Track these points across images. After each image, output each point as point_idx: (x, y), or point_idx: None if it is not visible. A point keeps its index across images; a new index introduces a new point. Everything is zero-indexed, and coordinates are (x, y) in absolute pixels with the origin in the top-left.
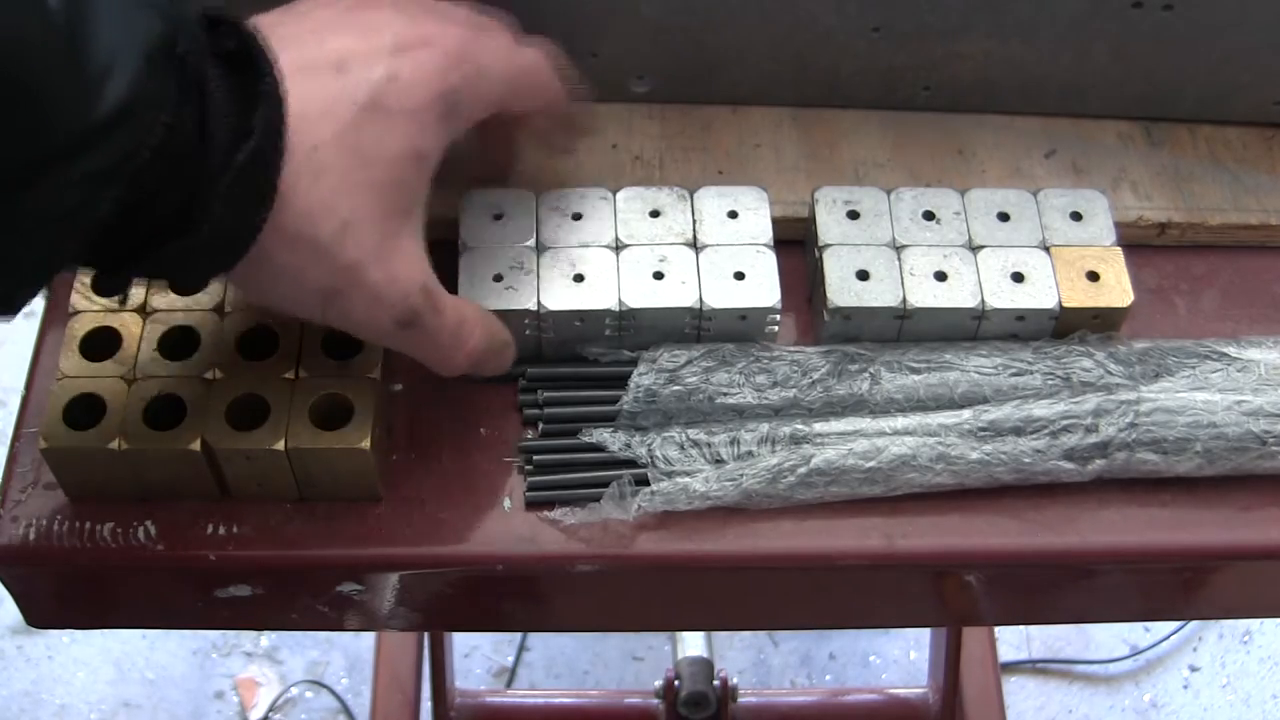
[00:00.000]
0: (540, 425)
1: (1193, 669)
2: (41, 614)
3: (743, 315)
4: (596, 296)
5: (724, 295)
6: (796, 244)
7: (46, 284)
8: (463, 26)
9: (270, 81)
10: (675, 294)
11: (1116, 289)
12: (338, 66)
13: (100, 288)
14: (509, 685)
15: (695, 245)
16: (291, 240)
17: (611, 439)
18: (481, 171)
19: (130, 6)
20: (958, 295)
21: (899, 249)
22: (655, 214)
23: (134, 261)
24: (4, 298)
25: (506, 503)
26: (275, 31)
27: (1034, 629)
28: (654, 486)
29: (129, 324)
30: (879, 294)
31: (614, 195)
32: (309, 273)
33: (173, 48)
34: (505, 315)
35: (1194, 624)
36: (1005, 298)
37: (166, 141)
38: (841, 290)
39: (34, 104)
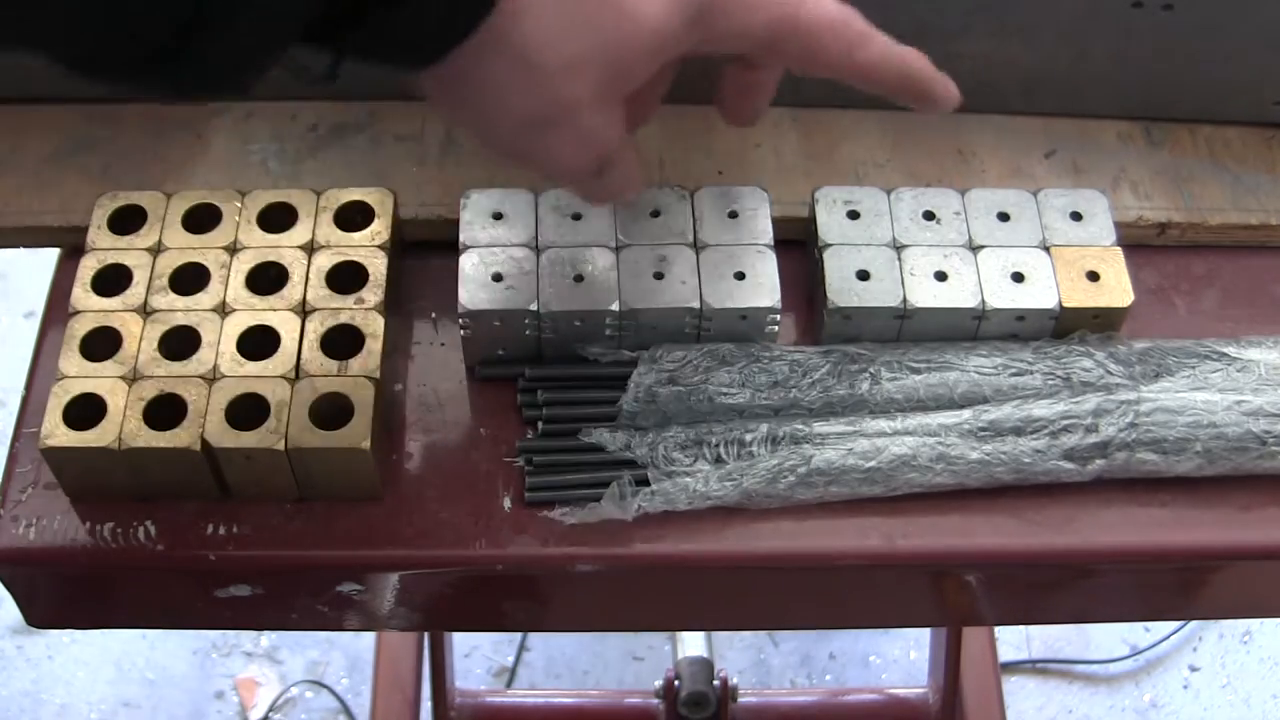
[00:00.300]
0: (540, 425)
1: (1193, 669)
2: (41, 614)
3: (743, 315)
4: (596, 296)
5: (724, 295)
6: (796, 244)
7: (278, 57)
8: None
9: None
10: (675, 294)
11: (1116, 289)
12: None
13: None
14: (509, 685)
15: (695, 245)
16: (515, 57)
17: (611, 439)
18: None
19: None
20: (958, 295)
21: (899, 249)
22: (656, 214)
23: (348, 35)
24: (239, 70)
25: (506, 503)
26: None
27: (1034, 629)
28: (654, 486)
29: (129, 324)
30: (879, 294)
31: None
32: (520, 97)
33: None
34: (505, 315)
35: (1194, 624)
36: (1005, 298)
37: None
38: (841, 290)
39: None
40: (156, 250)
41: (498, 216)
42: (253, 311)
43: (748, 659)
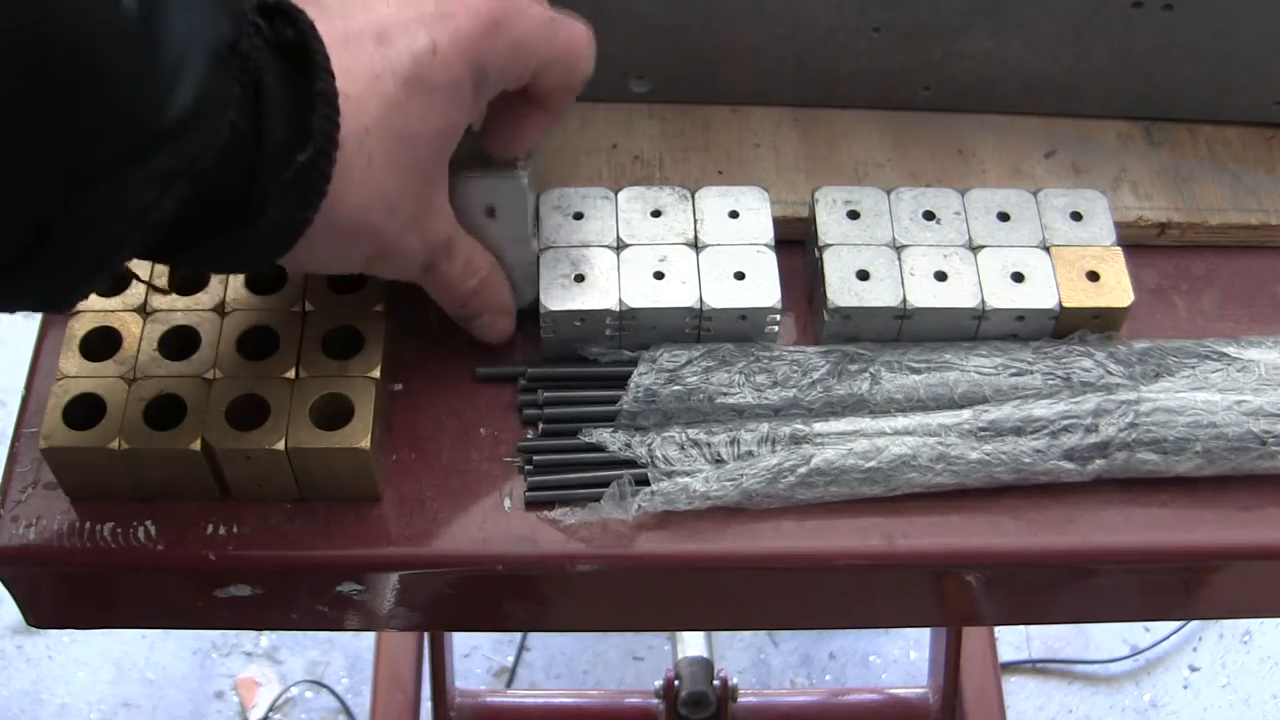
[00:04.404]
0: (540, 425)
1: (1193, 669)
2: (42, 614)
3: (743, 315)
4: (597, 296)
5: (724, 295)
6: (796, 244)
7: (105, 280)
8: None
9: (326, 80)
10: (675, 294)
11: (1116, 289)
12: (379, 37)
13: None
14: (509, 685)
15: (696, 245)
16: (345, 227)
17: (611, 439)
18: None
19: (198, 4)
20: (958, 295)
21: (899, 249)
22: (656, 214)
23: (183, 252)
24: (62, 294)
25: (506, 503)
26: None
27: (1034, 629)
28: (654, 486)
29: (129, 324)
30: (879, 294)
31: (615, 195)
32: (357, 247)
33: (236, 45)
34: None
35: (1194, 624)
36: (1005, 298)
37: (230, 141)
38: (841, 290)
39: (108, 105)
40: None
41: None
42: (253, 311)
43: (748, 659)
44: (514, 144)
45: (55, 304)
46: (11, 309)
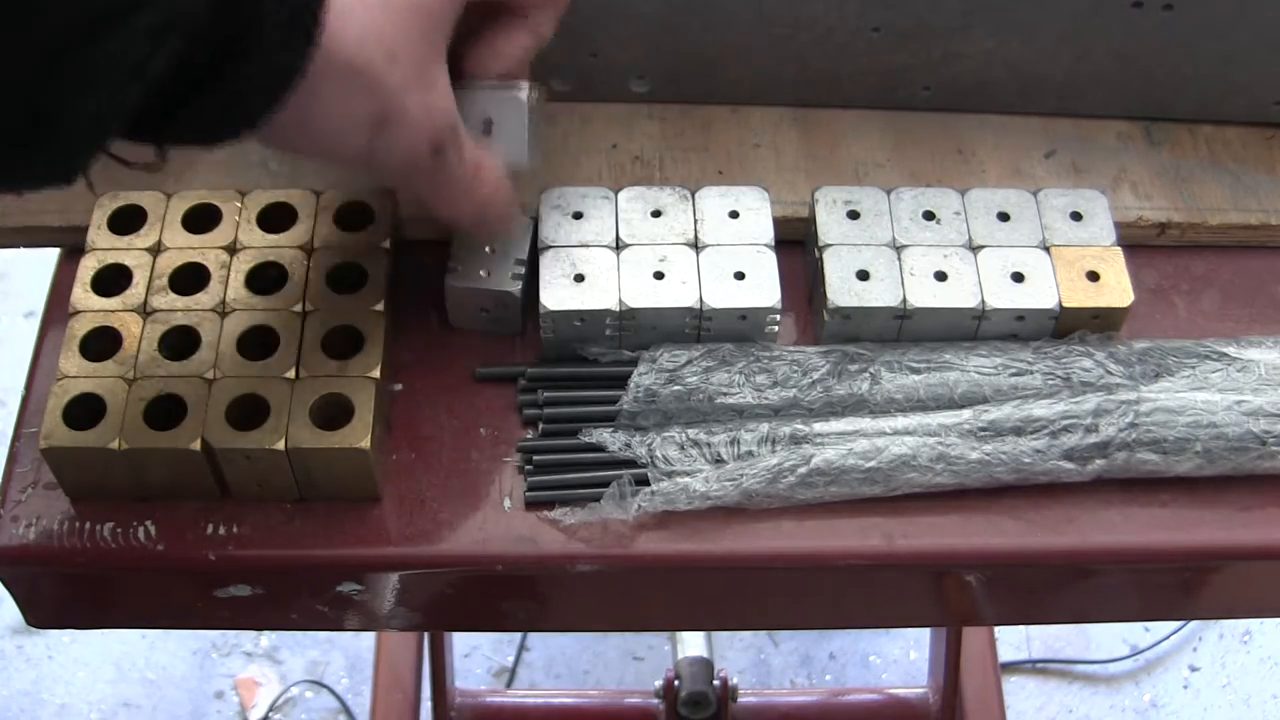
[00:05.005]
0: (540, 425)
1: (1193, 669)
2: (41, 614)
3: (743, 315)
4: (597, 296)
5: (724, 295)
6: (796, 244)
7: (105, 145)
8: None
9: None
10: (675, 294)
11: (1116, 289)
12: None
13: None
14: (509, 685)
15: (696, 245)
16: (343, 68)
17: (611, 439)
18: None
19: None
20: (958, 295)
21: (899, 249)
22: (657, 214)
23: (179, 112)
24: (65, 161)
25: (506, 503)
26: None
27: (1034, 629)
28: (654, 486)
29: (129, 324)
30: (879, 294)
31: (616, 195)
32: (358, 101)
33: None
34: None
35: (1194, 624)
36: (1005, 298)
37: None
38: (841, 290)
39: None
40: (156, 250)
41: None
42: (253, 311)
43: (748, 659)
44: (493, 61)
45: (64, 174)
46: (22, 185)
